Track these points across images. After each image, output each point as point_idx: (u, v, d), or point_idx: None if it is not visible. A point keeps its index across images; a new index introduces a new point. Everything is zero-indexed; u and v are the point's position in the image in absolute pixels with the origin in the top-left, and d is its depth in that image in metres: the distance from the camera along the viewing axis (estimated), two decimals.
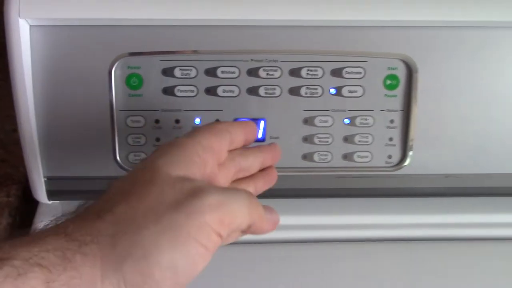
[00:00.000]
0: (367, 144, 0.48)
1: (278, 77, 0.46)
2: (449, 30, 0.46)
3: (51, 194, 0.49)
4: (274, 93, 0.47)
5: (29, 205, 0.53)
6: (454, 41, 0.46)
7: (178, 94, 0.46)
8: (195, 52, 0.45)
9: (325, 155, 0.48)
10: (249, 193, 0.35)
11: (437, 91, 0.47)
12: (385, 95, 0.47)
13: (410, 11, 0.45)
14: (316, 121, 0.47)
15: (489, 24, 0.46)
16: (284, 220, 0.49)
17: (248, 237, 0.48)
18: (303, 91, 0.47)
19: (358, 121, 0.47)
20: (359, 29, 0.45)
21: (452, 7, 0.45)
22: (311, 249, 0.48)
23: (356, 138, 0.48)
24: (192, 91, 0.46)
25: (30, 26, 0.44)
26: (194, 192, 0.32)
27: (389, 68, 0.47)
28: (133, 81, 0.46)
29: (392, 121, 0.48)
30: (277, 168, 0.48)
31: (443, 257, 0.48)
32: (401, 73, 0.47)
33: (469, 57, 0.46)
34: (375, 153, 0.48)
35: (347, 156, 0.48)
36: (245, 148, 0.40)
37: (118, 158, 0.47)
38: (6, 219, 0.50)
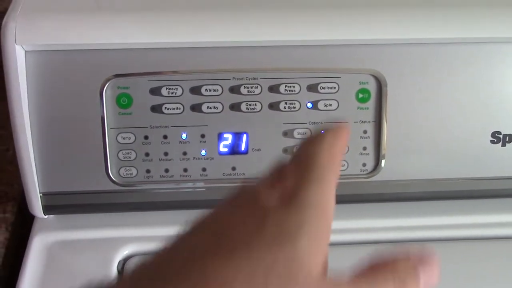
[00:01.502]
0: (343, 154, 0.52)
1: (259, 94, 0.50)
2: (416, 47, 0.49)
3: (46, 209, 0.51)
4: (255, 109, 0.50)
5: (25, 220, 0.55)
6: (420, 57, 0.50)
7: (166, 111, 0.49)
8: (180, 72, 0.48)
9: None
10: None
11: (406, 103, 0.50)
12: (358, 107, 0.51)
13: (380, 30, 0.48)
14: (295, 133, 0.51)
15: (453, 41, 0.49)
16: None
17: None
18: (282, 106, 0.50)
19: None
20: (332, 47, 0.49)
21: (418, 26, 0.49)
22: None
23: None
24: (179, 108, 0.49)
25: (26, 51, 0.46)
26: None
27: (360, 83, 0.50)
28: (123, 101, 0.49)
29: (365, 132, 0.51)
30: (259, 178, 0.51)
31: None
32: (372, 87, 0.50)
33: (435, 71, 0.50)
34: (350, 162, 0.52)
35: None
36: None
37: (110, 173, 0.50)
38: (3, 234, 0.52)
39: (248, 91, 0.49)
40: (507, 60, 0.50)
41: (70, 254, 0.50)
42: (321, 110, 0.50)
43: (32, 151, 0.48)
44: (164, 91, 0.49)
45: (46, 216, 0.52)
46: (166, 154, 0.50)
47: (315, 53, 0.49)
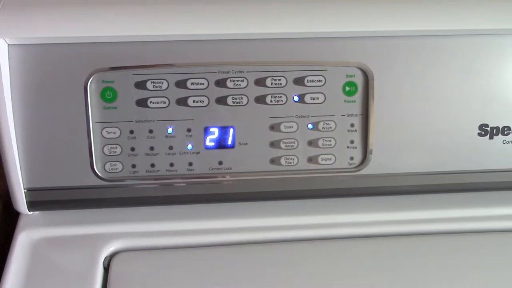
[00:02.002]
0: (330, 147, 0.51)
1: (245, 87, 0.49)
2: (403, 39, 0.49)
3: (31, 205, 0.51)
4: (241, 102, 0.50)
5: (11, 218, 0.55)
6: (407, 50, 0.50)
7: (151, 105, 0.49)
8: (165, 65, 0.48)
9: (291, 158, 0.51)
10: None
11: (393, 96, 0.50)
12: (345, 100, 0.50)
13: (365, 23, 0.48)
14: (282, 127, 0.50)
15: (439, 33, 0.49)
16: (254, 222, 0.52)
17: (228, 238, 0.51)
18: (268, 99, 0.50)
19: (321, 125, 0.51)
20: (319, 40, 0.49)
21: (405, 19, 0.49)
22: (285, 249, 0.50)
23: (320, 142, 0.51)
24: (164, 102, 0.49)
25: (8, 45, 0.46)
26: None
27: (347, 76, 0.50)
28: (107, 95, 0.49)
29: (352, 125, 0.51)
30: (246, 172, 0.51)
31: (408, 251, 0.50)
32: (358, 80, 0.50)
33: (422, 64, 0.50)
34: (338, 155, 0.51)
35: (312, 159, 0.52)
36: None
37: (95, 168, 0.50)
38: None
39: (234, 84, 0.49)
40: (494, 52, 0.50)
41: (55, 250, 0.50)
42: (307, 103, 0.50)
43: (15, 146, 0.48)
44: (149, 85, 0.48)
45: (31, 212, 0.51)
46: (152, 148, 0.50)
47: (302, 46, 0.49)
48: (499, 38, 0.50)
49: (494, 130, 0.52)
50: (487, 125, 0.52)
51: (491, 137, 0.52)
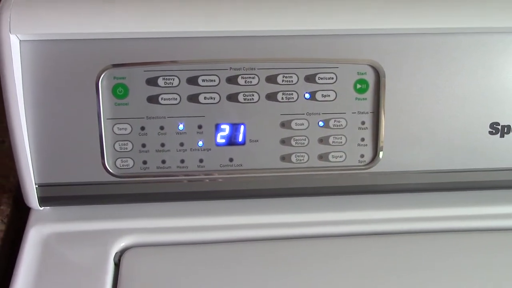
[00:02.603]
0: (341, 145, 0.51)
1: (256, 84, 0.49)
2: (414, 37, 0.49)
3: (42, 201, 0.51)
4: (252, 99, 0.50)
5: (21, 213, 0.55)
6: (418, 47, 0.49)
7: (162, 102, 0.49)
8: (177, 62, 0.48)
9: (302, 156, 0.51)
10: None
11: (404, 94, 0.50)
12: (356, 98, 0.50)
13: (377, 20, 0.48)
14: (293, 124, 0.50)
15: (451, 31, 0.49)
16: (264, 219, 0.52)
17: (232, 235, 0.51)
18: (279, 96, 0.50)
19: (331, 123, 0.51)
20: (330, 37, 0.49)
21: (416, 16, 0.49)
22: (295, 246, 0.50)
23: (330, 139, 0.51)
24: (175, 99, 0.49)
25: (20, 41, 0.46)
26: None
27: (358, 73, 0.50)
28: (119, 91, 0.49)
29: (363, 123, 0.51)
30: (256, 169, 0.51)
31: (418, 249, 0.50)
32: (370, 77, 0.50)
33: (433, 62, 0.50)
34: (348, 153, 0.51)
35: (322, 157, 0.52)
36: None
37: (106, 164, 0.50)
38: None
39: (245, 81, 0.49)
40: (506, 50, 0.50)
41: (66, 246, 0.50)
42: (319, 100, 0.50)
43: (27, 142, 0.48)
44: (160, 82, 0.48)
45: (42, 208, 0.52)
46: (163, 145, 0.50)
47: (313, 43, 0.49)
48: (510, 36, 0.50)
49: (505, 129, 0.52)
50: (498, 124, 0.51)
51: (502, 136, 0.52)
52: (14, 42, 0.46)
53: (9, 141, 0.49)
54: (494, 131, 0.52)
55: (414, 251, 0.50)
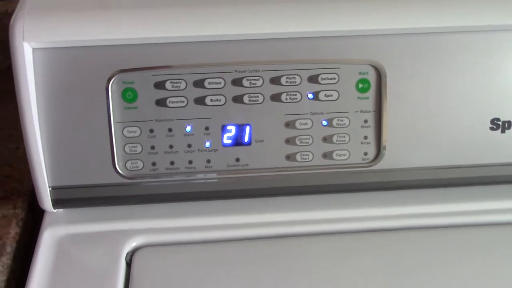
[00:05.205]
0: (344, 143, 0.52)
1: (260, 86, 0.51)
2: (414, 36, 0.50)
3: (56, 203, 0.52)
4: (257, 100, 0.51)
5: (35, 216, 0.56)
6: (419, 46, 0.50)
7: (170, 105, 0.50)
8: (183, 66, 0.50)
9: (307, 155, 0.52)
10: None
11: (405, 92, 0.51)
12: (358, 97, 0.52)
13: (378, 20, 0.50)
14: (297, 124, 0.52)
15: (451, 29, 0.50)
16: (272, 217, 0.53)
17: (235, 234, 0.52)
18: (283, 97, 0.51)
19: (335, 122, 0.52)
20: (332, 39, 0.50)
21: (416, 16, 0.50)
22: (301, 243, 0.51)
23: (334, 138, 0.52)
24: (183, 101, 0.51)
25: (33, 49, 0.48)
26: None
27: (360, 73, 0.51)
28: (128, 95, 0.50)
29: (366, 121, 0.52)
30: (262, 169, 0.52)
31: (422, 245, 0.51)
32: (371, 77, 0.51)
33: (434, 60, 0.51)
34: (352, 151, 0.53)
35: (326, 155, 0.53)
36: None
37: (117, 166, 0.51)
38: (14, 229, 0.53)
39: (250, 83, 0.50)
40: (506, 47, 0.51)
41: (79, 247, 0.51)
42: (322, 100, 0.51)
43: (40, 146, 0.50)
44: (168, 85, 0.50)
45: (56, 210, 0.53)
46: (171, 147, 0.51)
47: (315, 44, 0.50)
48: (510, 34, 0.51)
49: (506, 124, 0.53)
50: (498, 119, 0.52)
51: (503, 131, 0.53)
52: (27, 50, 0.47)
53: (23, 147, 0.51)
54: (495, 127, 0.53)
55: (418, 247, 0.51)
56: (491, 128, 0.53)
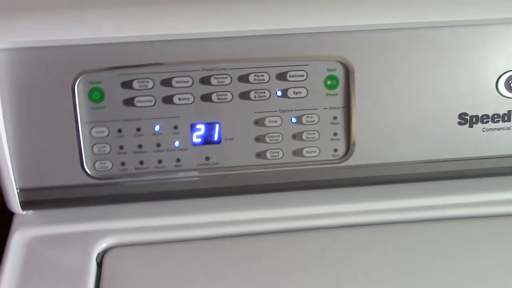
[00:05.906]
0: (314, 140, 0.52)
1: (229, 84, 0.51)
2: (381, 33, 0.50)
3: (24, 205, 0.52)
4: (226, 99, 0.51)
5: (4, 218, 0.56)
6: (386, 42, 0.51)
7: (138, 104, 0.50)
8: (151, 65, 0.49)
9: (277, 152, 0.53)
10: None
11: (373, 88, 0.51)
12: (327, 94, 0.52)
13: (345, 17, 0.50)
14: (266, 121, 0.52)
15: (417, 25, 0.50)
16: (242, 215, 0.53)
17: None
18: (252, 95, 0.51)
19: (304, 119, 0.52)
20: (300, 36, 0.50)
21: (382, 12, 0.50)
22: (274, 240, 0.51)
23: (304, 135, 0.52)
24: (150, 101, 0.50)
25: None
26: None
27: (328, 70, 0.51)
28: (95, 95, 0.50)
29: (335, 118, 0.52)
30: (232, 167, 0.52)
31: (393, 240, 0.51)
32: (339, 73, 0.51)
33: (401, 55, 0.51)
34: (322, 147, 0.53)
35: (296, 152, 0.53)
36: None
37: (85, 166, 0.51)
38: None
39: (218, 81, 0.50)
40: (473, 42, 0.51)
41: (49, 248, 0.51)
42: (290, 98, 0.51)
43: (7, 148, 0.49)
44: (135, 84, 0.50)
45: (25, 212, 0.53)
46: (140, 146, 0.51)
47: (283, 42, 0.50)
48: (478, 28, 0.51)
49: (474, 119, 0.53)
50: (466, 114, 0.53)
51: (470, 126, 0.53)
52: None
53: None
54: (463, 122, 0.53)
55: (389, 241, 0.51)
56: (459, 123, 0.53)
